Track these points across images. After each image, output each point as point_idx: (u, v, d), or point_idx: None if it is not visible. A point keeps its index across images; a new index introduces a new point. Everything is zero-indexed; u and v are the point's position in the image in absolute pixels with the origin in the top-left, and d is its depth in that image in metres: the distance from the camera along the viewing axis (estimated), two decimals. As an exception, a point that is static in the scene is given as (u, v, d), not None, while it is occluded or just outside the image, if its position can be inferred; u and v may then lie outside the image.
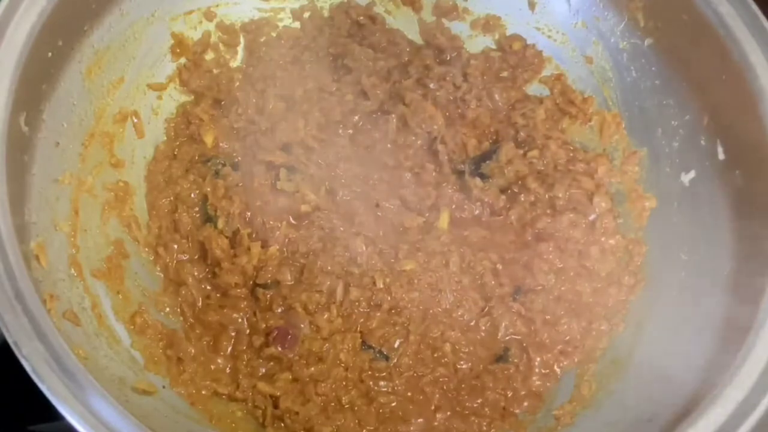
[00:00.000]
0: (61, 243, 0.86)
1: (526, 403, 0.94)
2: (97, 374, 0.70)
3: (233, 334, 0.95)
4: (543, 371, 0.96)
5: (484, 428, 0.92)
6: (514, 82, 1.15)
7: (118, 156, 1.00)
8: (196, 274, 0.98)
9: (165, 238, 1.00)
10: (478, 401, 0.93)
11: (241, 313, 0.96)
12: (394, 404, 0.92)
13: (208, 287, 0.98)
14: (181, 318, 0.97)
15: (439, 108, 1.09)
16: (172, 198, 1.02)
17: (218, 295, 0.98)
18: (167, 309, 0.97)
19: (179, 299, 0.97)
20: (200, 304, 0.97)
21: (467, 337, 0.97)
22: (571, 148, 1.09)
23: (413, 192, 1.04)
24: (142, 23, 1.02)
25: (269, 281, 0.97)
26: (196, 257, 0.99)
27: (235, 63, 1.14)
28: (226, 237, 0.98)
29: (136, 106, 1.04)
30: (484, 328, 0.97)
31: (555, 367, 0.96)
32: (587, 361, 0.96)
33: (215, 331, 0.95)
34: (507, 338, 0.97)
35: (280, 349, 0.92)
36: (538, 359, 0.96)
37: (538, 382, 0.95)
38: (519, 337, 0.97)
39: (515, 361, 0.96)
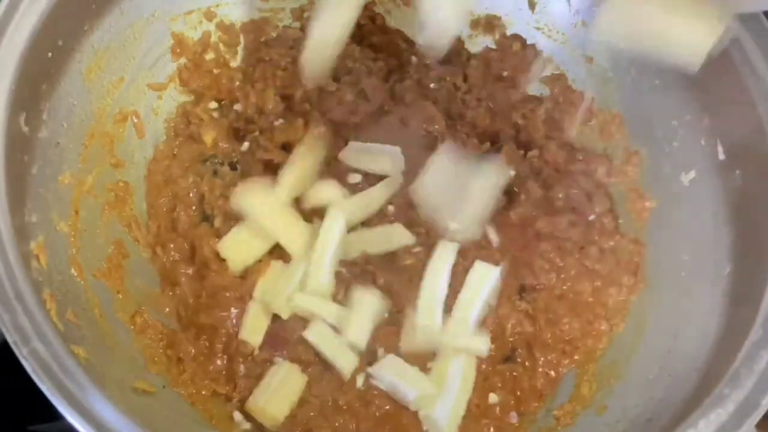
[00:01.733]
0: (61, 243, 0.86)
1: (532, 404, 0.94)
2: (97, 374, 0.70)
3: (224, 337, 0.94)
4: (546, 371, 0.95)
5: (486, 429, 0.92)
6: (514, 82, 1.15)
7: (118, 156, 1.00)
8: (189, 273, 0.98)
9: (163, 238, 1.00)
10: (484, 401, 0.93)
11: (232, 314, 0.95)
12: (388, 407, 0.92)
13: (199, 287, 0.97)
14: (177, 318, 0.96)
15: (439, 108, 1.09)
16: (170, 197, 1.02)
17: (208, 295, 0.97)
18: (167, 309, 0.96)
19: (175, 299, 0.97)
20: (192, 304, 0.96)
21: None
22: (571, 148, 1.09)
23: (413, 192, 1.04)
24: (142, 23, 1.02)
25: (266, 281, 0.96)
26: (189, 257, 0.99)
27: (235, 63, 1.14)
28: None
29: (136, 106, 1.04)
30: (490, 328, 0.97)
31: (557, 366, 0.96)
32: (587, 361, 0.96)
33: (208, 332, 0.95)
34: (513, 338, 0.97)
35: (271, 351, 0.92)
36: (542, 359, 0.95)
37: (541, 382, 0.95)
38: (525, 337, 0.97)
39: (521, 360, 0.96)
